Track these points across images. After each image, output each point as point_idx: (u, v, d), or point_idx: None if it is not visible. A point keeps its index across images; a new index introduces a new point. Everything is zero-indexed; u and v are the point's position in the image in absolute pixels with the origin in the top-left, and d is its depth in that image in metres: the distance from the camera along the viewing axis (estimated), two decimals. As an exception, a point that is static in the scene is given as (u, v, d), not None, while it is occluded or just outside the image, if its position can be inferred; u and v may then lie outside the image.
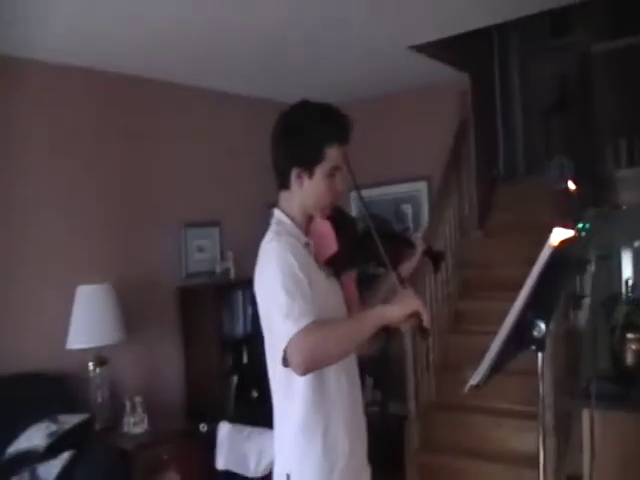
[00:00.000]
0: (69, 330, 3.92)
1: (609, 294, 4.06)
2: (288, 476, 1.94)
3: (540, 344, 1.86)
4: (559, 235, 1.76)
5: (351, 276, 2.22)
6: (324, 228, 2.03)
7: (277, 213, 2.05)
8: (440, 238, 5.05)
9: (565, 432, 3.99)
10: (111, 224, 4.46)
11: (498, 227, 5.45)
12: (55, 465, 3.30)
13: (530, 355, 1.92)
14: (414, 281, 4.16)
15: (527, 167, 6.27)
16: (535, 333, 1.84)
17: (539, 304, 1.83)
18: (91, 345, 3.93)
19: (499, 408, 4.29)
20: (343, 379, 2.00)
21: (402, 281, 1.90)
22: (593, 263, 4.92)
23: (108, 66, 4.39)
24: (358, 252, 2.11)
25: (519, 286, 1.84)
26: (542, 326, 1.83)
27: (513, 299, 1.83)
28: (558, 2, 4.08)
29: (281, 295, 1.80)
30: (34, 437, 3.38)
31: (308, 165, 1.96)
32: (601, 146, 5.46)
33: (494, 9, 4.06)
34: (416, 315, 1.79)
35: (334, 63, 4.86)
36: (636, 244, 5.93)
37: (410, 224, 5.82)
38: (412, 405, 4.52)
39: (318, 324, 1.76)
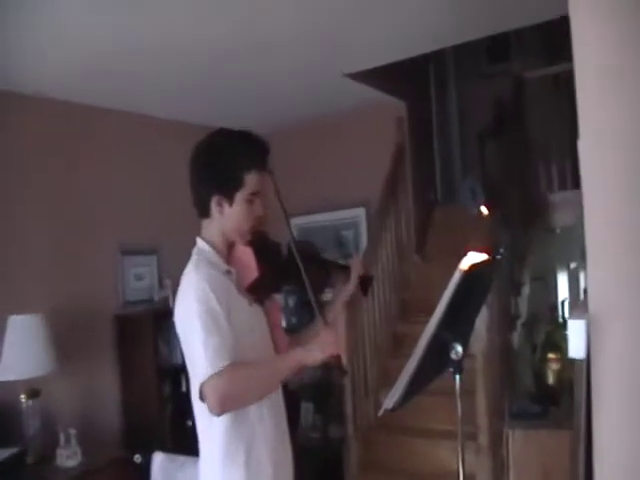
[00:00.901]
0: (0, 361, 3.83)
1: (530, 314, 4.15)
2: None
3: (457, 366, 1.89)
4: (470, 259, 1.80)
5: (276, 303, 2.24)
6: (245, 255, 2.04)
7: (199, 242, 2.07)
8: (378, 262, 5.07)
9: (501, 451, 4.04)
10: (46, 252, 4.38)
11: (436, 250, 5.50)
12: (-16, 500, 3.22)
13: (466, 377, 1.94)
14: (352, 303, 4.20)
15: (464, 191, 6.36)
16: (453, 355, 1.87)
17: (455, 326, 1.86)
18: (23, 376, 3.82)
19: (437, 429, 4.28)
20: (264, 407, 2.01)
21: (326, 320, 1.95)
22: (528, 285, 5.05)
23: (41, 90, 4.31)
24: (280, 278, 2.13)
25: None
26: (459, 348, 1.86)
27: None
28: (493, 29, 4.15)
29: (198, 329, 1.82)
30: (-39, 472, 3.31)
31: (228, 192, 1.98)
32: (534, 170, 5.60)
33: (430, 36, 4.13)
34: (336, 357, 1.85)
35: (270, 90, 4.87)
36: (571, 266, 6.08)
37: (351, 250, 5.83)
38: (350, 427, 4.52)
39: (235, 367, 1.79)
